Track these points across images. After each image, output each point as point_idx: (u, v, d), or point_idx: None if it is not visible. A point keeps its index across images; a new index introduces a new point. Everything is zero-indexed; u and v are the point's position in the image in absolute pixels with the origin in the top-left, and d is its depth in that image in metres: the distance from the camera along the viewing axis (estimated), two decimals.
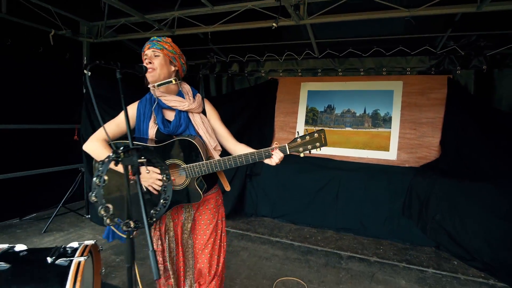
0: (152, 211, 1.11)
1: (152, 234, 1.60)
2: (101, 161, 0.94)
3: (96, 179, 0.92)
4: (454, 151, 3.87)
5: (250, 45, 4.68)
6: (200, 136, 1.52)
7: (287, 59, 4.85)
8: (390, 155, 4.31)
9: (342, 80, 4.67)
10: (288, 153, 1.49)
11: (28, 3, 3.54)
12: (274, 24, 2.92)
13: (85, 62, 4.34)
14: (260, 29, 3.71)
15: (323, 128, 1.54)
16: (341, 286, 2.57)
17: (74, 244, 1.69)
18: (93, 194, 0.93)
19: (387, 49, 4.22)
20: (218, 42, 4.80)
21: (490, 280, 2.79)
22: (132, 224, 0.97)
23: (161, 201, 1.13)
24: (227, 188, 1.66)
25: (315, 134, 1.44)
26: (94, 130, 4.06)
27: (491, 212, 3.10)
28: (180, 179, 1.47)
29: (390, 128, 4.30)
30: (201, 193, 1.47)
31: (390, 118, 4.29)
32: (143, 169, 1.02)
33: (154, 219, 1.11)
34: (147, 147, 1.44)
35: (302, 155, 1.48)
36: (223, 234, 1.67)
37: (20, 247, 1.63)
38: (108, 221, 0.95)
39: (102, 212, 0.92)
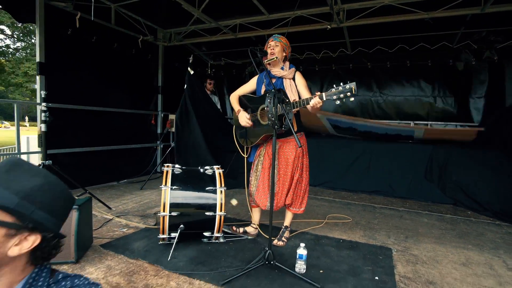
0: (284, 125, 2.05)
1: (257, 152, 2.57)
2: (267, 92, 1.90)
3: (267, 99, 1.88)
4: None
5: (292, 45, 5.60)
6: (286, 93, 2.40)
7: (323, 56, 5.76)
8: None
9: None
10: (324, 99, 1.97)
11: (127, 16, 4.68)
12: (328, 26, 3.86)
13: (191, 61, 4.69)
14: (302, 31, 4.65)
15: (355, 81, 1.86)
16: (377, 220, 3.42)
17: (207, 167, 2.66)
18: (266, 107, 1.88)
19: (410, 45, 5.04)
20: (264, 44, 5.77)
21: (497, 221, 3.53)
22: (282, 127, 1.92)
23: (288, 119, 2.05)
24: (295, 128, 2.40)
25: (347, 85, 1.86)
26: (188, 116, 4.95)
27: (499, 172, 3.84)
28: (264, 119, 2.38)
29: None
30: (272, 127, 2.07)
31: None
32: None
33: (286, 127, 2.02)
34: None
35: (338, 102, 1.91)
36: (298, 168, 2.51)
37: (178, 165, 2.62)
38: (270, 123, 1.90)
39: (270, 117, 1.87)
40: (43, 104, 2.91)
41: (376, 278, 2.07)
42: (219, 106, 5.24)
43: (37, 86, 3.71)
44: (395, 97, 5.49)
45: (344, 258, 2.38)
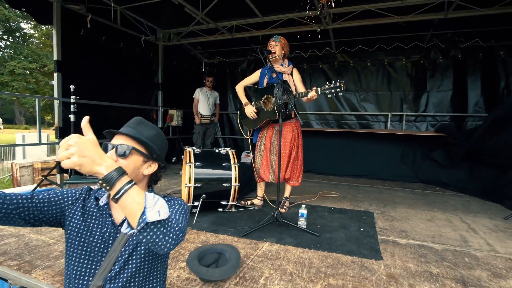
0: (288, 109, 2.56)
1: (260, 134, 3.08)
2: (276, 83, 2.40)
3: (276, 89, 2.38)
4: None
5: None
6: (289, 84, 2.93)
7: (310, 55, 6.31)
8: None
9: None
10: (319, 92, 2.49)
11: (130, 17, 5.05)
12: (318, 28, 4.40)
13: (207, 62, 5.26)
14: (291, 32, 5.17)
15: (343, 80, 2.48)
16: (360, 194, 4.01)
17: (221, 148, 3.14)
18: (275, 94, 2.38)
19: (387, 45, 5.67)
20: (257, 43, 6.27)
21: (459, 193, 4.21)
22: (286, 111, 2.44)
23: (289, 106, 2.57)
24: (293, 115, 2.97)
25: (337, 83, 2.43)
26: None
27: (464, 155, 4.52)
28: (269, 106, 2.89)
29: None
30: (277, 113, 2.65)
31: None
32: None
33: (290, 111, 2.54)
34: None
35: (329, 96, 2.47)
36: (294, 147, 3.04)
37: (195, 147, 3.08)
38: (278, 107, 2.41)
39: (279, 102, 2.38)
40: (72, 97, 3.29)
41: (361, 229, 2.63)
42: (218, 101, 5.65)
43: (55, 83, 4.05)
44: (374, 92, 6.10)
45: (336, 218, 2.94)
